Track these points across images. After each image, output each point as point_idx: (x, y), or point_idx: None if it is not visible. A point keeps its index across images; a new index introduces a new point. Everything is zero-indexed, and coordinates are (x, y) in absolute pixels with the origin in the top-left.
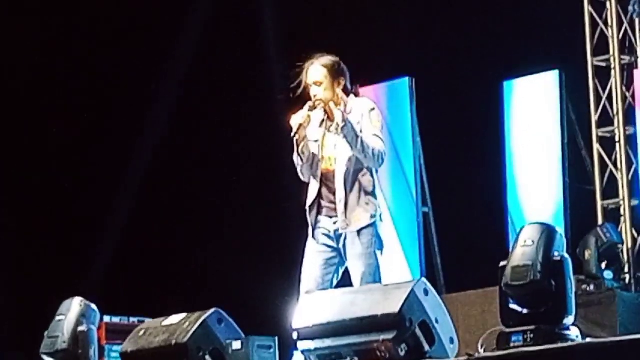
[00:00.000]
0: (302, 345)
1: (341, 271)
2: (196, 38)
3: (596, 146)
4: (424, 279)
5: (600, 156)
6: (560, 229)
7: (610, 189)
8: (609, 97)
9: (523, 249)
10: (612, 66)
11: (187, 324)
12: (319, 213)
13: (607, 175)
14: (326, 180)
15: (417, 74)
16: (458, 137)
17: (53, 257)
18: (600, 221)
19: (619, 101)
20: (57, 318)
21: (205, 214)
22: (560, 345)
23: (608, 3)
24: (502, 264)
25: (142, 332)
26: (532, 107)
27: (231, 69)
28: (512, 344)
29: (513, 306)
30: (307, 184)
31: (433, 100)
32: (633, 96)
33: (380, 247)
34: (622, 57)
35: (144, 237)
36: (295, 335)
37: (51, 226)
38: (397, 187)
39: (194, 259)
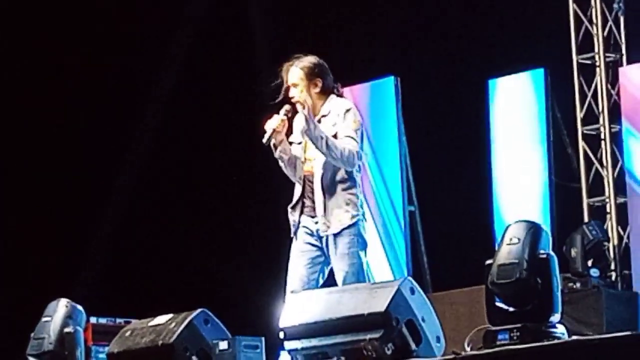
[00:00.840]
0: (289, 344)
1: (327, 270)
2: (186, 42)
3: (582, 144)
4: (410, 278)
5: (585, 154)
6: (546, 227)
7: (596, 187)
8: (594, 95)
9: (509, 246)
10: (597, 64)
11: (174, 324)
12: (301, 212)
13: (592, 172)
14: (308, 181)
15: (402, 72)
16: (444, 136)
17: (39, 258)
18: (586, 219)
19: (604, 99)
20: (43, 319)
21: (191, 215)
22: (546, 343)
23: (593, 1)
24: (488, 262)
25: (128, 333)
26: (518, 105)
27: (221, 70)
28: (498, 342)
29: (499, 304)
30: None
31: (419, 99)
32: (618, 94)
33: (364, 247)
34: (607, 54)
35: (130, 239)
36: (281, 335)
37: (38, 228)
38: (382, 186)
39: (180, 259)
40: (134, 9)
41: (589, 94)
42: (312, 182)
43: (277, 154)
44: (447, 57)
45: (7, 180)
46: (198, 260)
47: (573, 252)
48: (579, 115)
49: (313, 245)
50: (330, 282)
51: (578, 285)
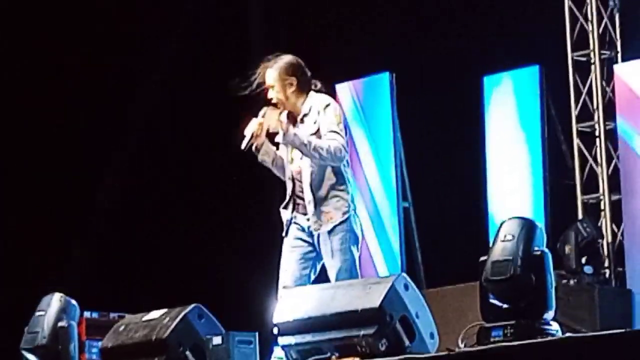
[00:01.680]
0: (283, 340)
1: (318, 266)
2: (184, 40)
3: (576, 141)
4: (404, 274)
5: (580, 151)
6: (541, 224)
7: (590, 184)
8: (589, 92)
9: (503, 243)
10: (592, 61)
11: (168, 319)
12: (293, 210)
13: (587, 170)
14: (297, 180)
15: (398, 69)
16: (438, 132)
17: (32, 252)
18: (580, 216)
19: (599, 96)
20: (37, 314)
21: (185, 210)
22: (540, 340)
23: None
24: (482, 258)
25: (122, 328)
26: (512, 102)
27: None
28: (492, 339)
29: (493, 301)
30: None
31: (414, 96)
32: (613, 91)
33: (356, 242)
34: (602, 52)
35: (124, 233)
36: (275, 331)
37: (31, 222)
38: (377, 182)
39: (174, 255)
40: (133, 9)
41: (584, 91)
42: (300, 181)
43: (260, 158)
44: (443, 54)
45: (1, 175)
46: (192, 255)
47: (567, 249)
48: (574, 112)
49: (304, 240)
50: (322, 278)
51: (572, 282)
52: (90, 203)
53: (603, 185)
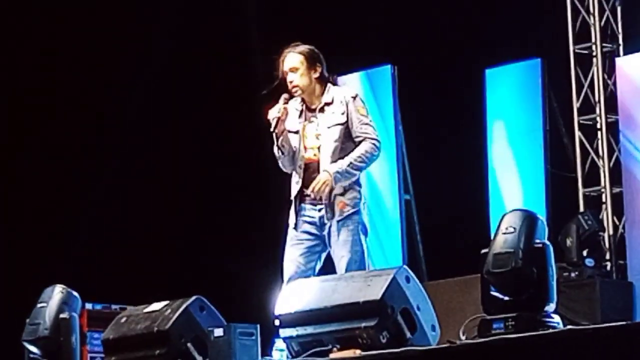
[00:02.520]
0: (284, 332)
1: (324, 257)
2: (177, 25)
3: (578, 134)
4: (405, 266)
5: (581, 144)
6: (542, 216)
7: (592, 177)
8: (591, 85)
9: (505, 236)
10: (594, 54)
11: (169, 311)
12: (302, 201)
13: (588, 162)
14: (309, 170)
15: (399, 61)
16: (440, 125)
17: (34, 243)
18: (581, 209)
19: (600, 89)
20: (39, 305)
21: (187, 201)
22: (541, 332)
23: None
24: (484, 251)
25: (123, 320)
26: (514, 94)
27: (213, 57)
28: (493, 331)
29: (494, 293)
30: (290, 175)
31: (416, 88)
32: (614, 84)
33: (366, 234)
34: (604, 44)
35: (126, 225)
36: (277, 322)
37: (32, 212)
38: (378, 174)
39: (176, 247)
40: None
41: (586, 84)
42: (313, 171)
43: (279, 143)
44: (445, 47)
45: (4, 165)
46: (194, 247)
47: (568, 242)
48: (575, 105)
49: (312, 234)
50: (327, 269)
51: (573, 275)
52: (92, 194)
53: (604, 177)
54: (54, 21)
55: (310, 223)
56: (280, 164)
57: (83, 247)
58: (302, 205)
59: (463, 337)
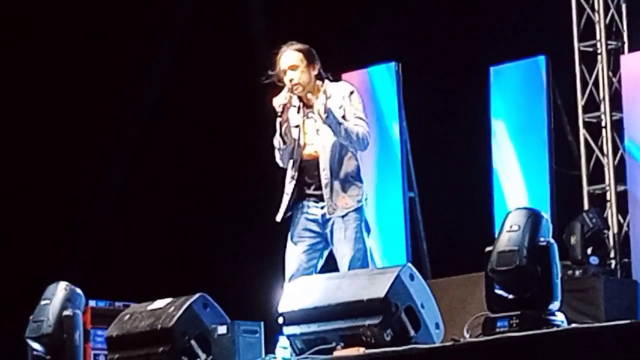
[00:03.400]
0: (288, 330)
1: (326, 254)
2: (181, 22)
3: (582, 131)
4: (409, 264)
5: (586, 141)
6: (546, 214)
7: (596, 175)
8: (596, 83)
9: (509, 234)
10: (599, 51)
11: (173, 308)
12: (302, 199)
13: (593, 160)
14: (308, 166)
15: (404, 58)
16: (444, 122)
17: (38, 241)
18: (586, 207)
19: (605, 86)
20: (42, 302)
21: (190, 199)
22: (545, 330)
23: None
24: (488, 249)
25: (127, 317)
26: (519, 92)
27: (216, 54)
28: (497, 329)
29: (499, 291)
30: (285, 170)
31: (420, 85)
32: (619, 81)
33: (368, 231)
34: (609, 42)
35: (129, 222)
36: (280, 320)
37: (36, 210)
38: (382, 172)
39: (180, 243)
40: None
41: (590, 82)
42: (312, 167)
43: (283, 131)
44: (449, 44)
45: (9, 163)
46: (197, 244)
47: (573, 240)
48: (580, 102)
49: (313, 231)
50: (329, 267)
51: (577, 273)
52: (95, 192)
53: (609, 175)
54: (59, 22)
55: (312, 220)
56: (279, 157)
57: (87, 245)
58: (303, 201)
59: (467, 335)
